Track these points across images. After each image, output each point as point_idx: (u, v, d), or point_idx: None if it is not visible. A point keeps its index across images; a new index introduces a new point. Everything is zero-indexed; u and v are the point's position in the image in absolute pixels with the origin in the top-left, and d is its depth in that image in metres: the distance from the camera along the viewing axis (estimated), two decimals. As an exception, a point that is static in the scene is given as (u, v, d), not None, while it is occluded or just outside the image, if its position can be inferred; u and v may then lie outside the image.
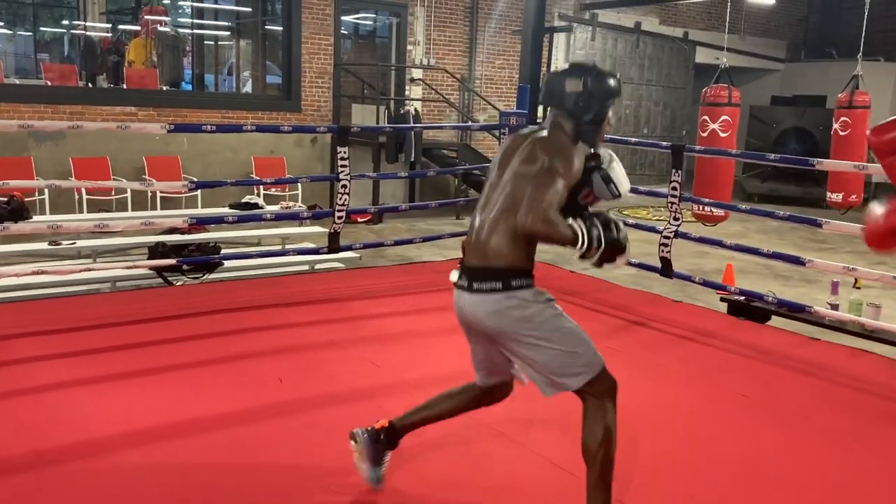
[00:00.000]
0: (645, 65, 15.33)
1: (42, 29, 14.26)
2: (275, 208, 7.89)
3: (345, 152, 5.51)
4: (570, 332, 2.55)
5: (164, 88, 10.79)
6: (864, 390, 4.09)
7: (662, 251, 5.53)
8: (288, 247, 6.77)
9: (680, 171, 5.42)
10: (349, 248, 5.97)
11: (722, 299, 5.63)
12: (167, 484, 2.85)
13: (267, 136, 9.72)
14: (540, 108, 9.21)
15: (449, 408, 2.88)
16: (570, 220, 2.46)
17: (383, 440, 2.80)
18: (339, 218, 5.57)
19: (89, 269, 5.12)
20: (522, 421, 3.52)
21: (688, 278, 5.70)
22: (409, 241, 6.60)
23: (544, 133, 2.61)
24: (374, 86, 11.53)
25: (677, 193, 5.40)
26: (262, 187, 9.34)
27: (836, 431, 3.59)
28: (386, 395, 3.74)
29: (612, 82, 2.61)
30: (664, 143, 5.92)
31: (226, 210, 7.12)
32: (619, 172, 2.60)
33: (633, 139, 7.73)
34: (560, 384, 2.55)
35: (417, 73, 11.38)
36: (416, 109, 10.59)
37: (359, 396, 3.72)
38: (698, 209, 6.46)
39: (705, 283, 5.64)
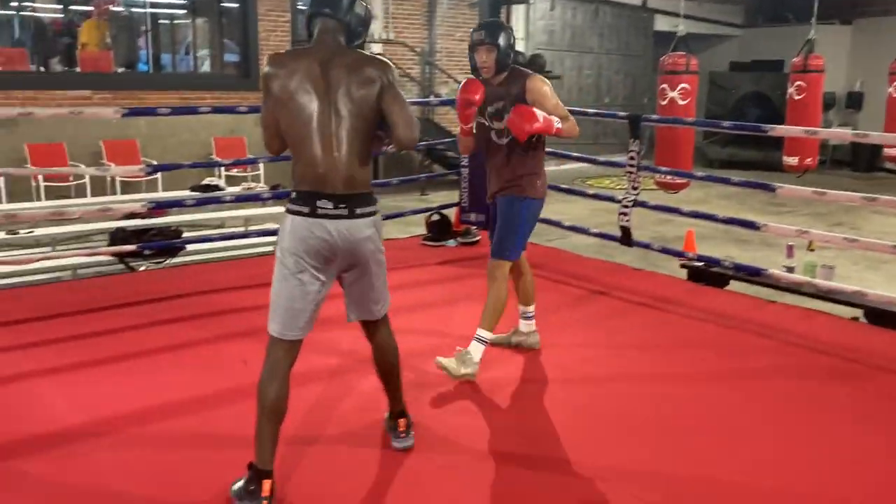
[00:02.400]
0: (604, 34, 15.36)
1: (-15, 10, 13.85)
2: (236, 189, 7.84)
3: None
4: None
5: (120, 70, 10.59)
6: (814, 349, 4.22)
7: (622, 220, 5.61)
8: (251, 228, 6.74)
9: (638, 141, 5.49)
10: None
11: (682, 266, 5.74)
12: (136, 471, 2.87)
13: (226, 116, 9.61)
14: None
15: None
16: None
17: None
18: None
19: (49, 258, 5.07)
20: (488, 391, 3.58)
21: (647, 246, 5.79)
22: (373, 218, 6.60)
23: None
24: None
25: (635, 163, 5.47)
26: (223, 169, 9.26)
27: (788, 391, 3.71)
28: (354, 372, 3.78)
29: None
30: (621, 114, 5.98)
31: (185, 193, 7.05)
32: None
33: (593, 110, 7.78)
34: (381, 308, 2.86)
35: (377, 48, 11.29)
36: (377, 85, 10.52)
37: (323, 375, 3.75)
38: (660, 177, 6.55)
39: (664, 251, 5.73)
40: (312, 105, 2.58)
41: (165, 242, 5.79)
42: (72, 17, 12.63)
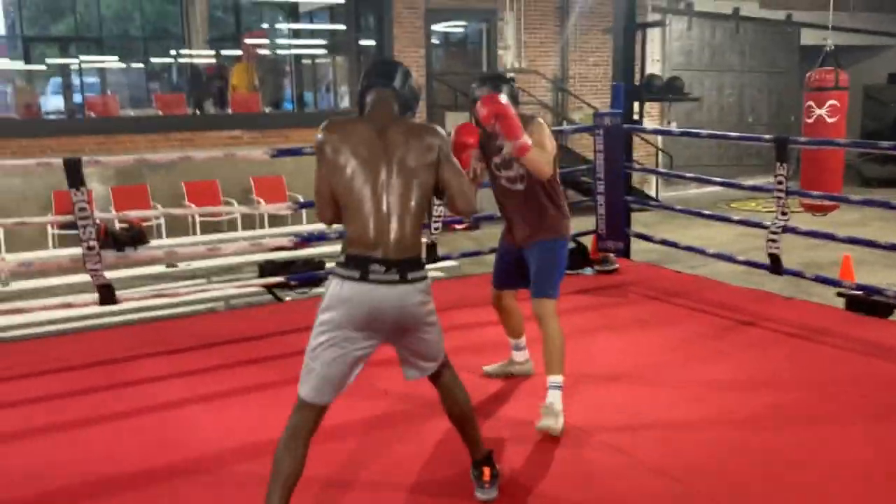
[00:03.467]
0: (746, 51, 14.78)
1: (152, 60, 15.00)
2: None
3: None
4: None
5: (267, 110, 11.20)
6: None
7: (770, 247, 5.33)
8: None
9: (785, 164, 5.21)
10: (447, 258, 6.04)
11: (839, 294, 5.38)
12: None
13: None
14: (636, 105, 9.04)
15: None
16: None
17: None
18: (436, 228, 5.64)
19: (204, 290, 5.39)
20: (631, 429, 3.48)
21: (799, 274, 5.47)
22: (508, 248, 6.60)
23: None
24: (467, 93, 11.61)
25: (783, 187, 5.19)
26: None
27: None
28: (494, 404, 3.77)
29: None
30: (766, 137, 5.70)
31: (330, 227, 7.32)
32: None
33: (735, 134, 7.48)
34: (437, 363, 2.78)
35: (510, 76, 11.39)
36: (510, 114, 10.59)
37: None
38: (807, 199, 6.20)
39: (819, 280, 5.39)
40: (368, 169, 2.55)
41: (310, 273, 6.02)
42: (223, 62, 13.52)
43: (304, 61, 14.77)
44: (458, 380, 2.88)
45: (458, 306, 5.49)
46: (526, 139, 3.28)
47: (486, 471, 2.89)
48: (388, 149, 2.59)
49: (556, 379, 3.50)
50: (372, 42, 11.52)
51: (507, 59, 11.31)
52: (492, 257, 7.17)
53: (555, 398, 3.46)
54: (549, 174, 3.46)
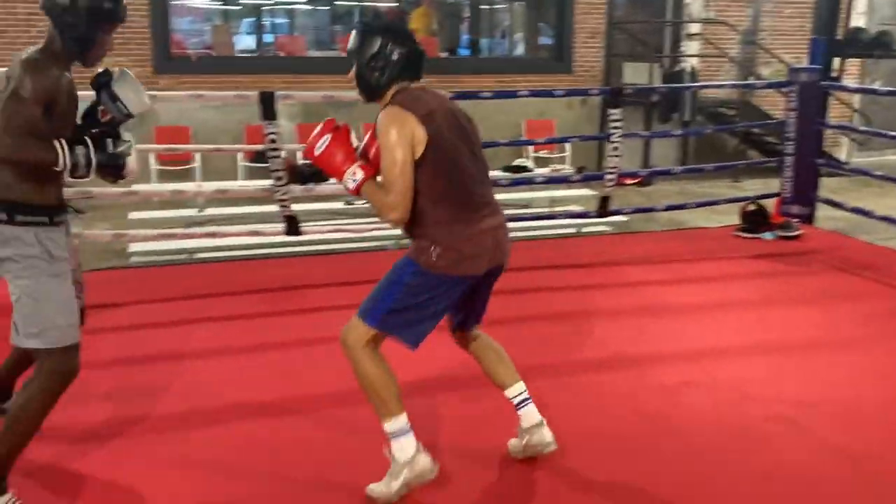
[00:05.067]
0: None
1: (336, 3, 15.46)
2: (545, 171, 8.00)
3: (617, 114, 5.44)
4: None
5: (443, 55, 11.29)
6: None
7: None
8: (556, 209, 6.85)
9: None
10: (618, 213, 5.92)
11: None
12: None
13: (537, 99, 9.82)
14: (836, 61, 8.35)
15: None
16: (58, 142, 2.35)
17: None
18: (610, 181, 5.53)
19: (378, 229, 5.58)
20: (809, 404, 3.32)
21: None
22: (682, 207, 6.38)
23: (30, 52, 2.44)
24: (648, 43, 11.15)
25: None
26: (531, 150, 9.50)
27: None
28: (653, 363, 3.71)
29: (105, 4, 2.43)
30: None
31: (498, 174, 7.35)
32: (129, 89, 2.52)
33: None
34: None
35: (695, 28, 10.81)
36: (692, 66, 10.09)
37: (623, 364, 3.72)
38: None
39: None
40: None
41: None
42: (403, 7, 13.72)
43: (482, 7, 14.74)
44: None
45: (627, 262, 5.39)
46: (353, 175, 2.49)
47: None
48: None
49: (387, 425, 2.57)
50: (552, -13, 11.27)
51: (694, 7, 10.73)
52: (664, 215, 7.02)
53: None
54: (394, 218, 2.49)
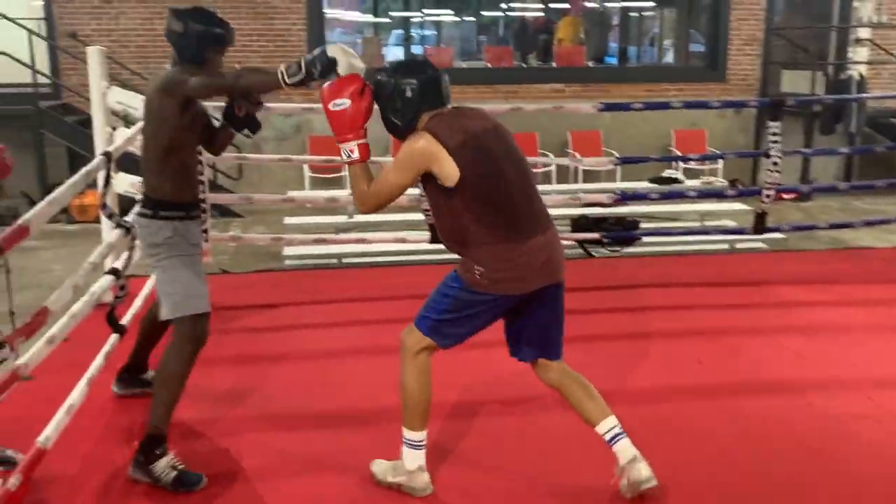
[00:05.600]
0: None
1: (483, 13, 15.62)
2: (695, 183, 7.72)
3: (777, 127, 5.16)
4: None
5: (590, 64, 11.15)
6: None
7: None
8: (708, 224, 6.59)
9: None
10: (776, 230, 5.61)
11: None
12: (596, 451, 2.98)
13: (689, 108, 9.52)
14: None
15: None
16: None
17: None
18: (768, 196, 5.25)
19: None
20: None
21: None
22: (847, 225, 5.96)
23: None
24: (809, 49, 10.54)
25: None
26: (680, 161, 9.20)
27: None
28: (814, 390, 3.49)
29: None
30: None
31: (648, 185, 7.17)
32: (339, 52, 2.56)
33: None
34: None
35: (864, 33, 10.11)
36: (860, 74, 9.44)
37: (784, 389, 3.52)
38: None
39: None
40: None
41: (625, 233, 5.95)
42: (550, 16, 13.67)
43: (631, 14, 14.46)
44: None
45: (784, 282, 5.10)
46: (350, 152, 2.59)
47: None
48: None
49: (408, 434, 2.71)
50: (706, -7, 10.90)
51: (864, 11, 10.04)
52: (826, 233, 6.57)
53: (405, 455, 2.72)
54: (361, 210, 2.70)
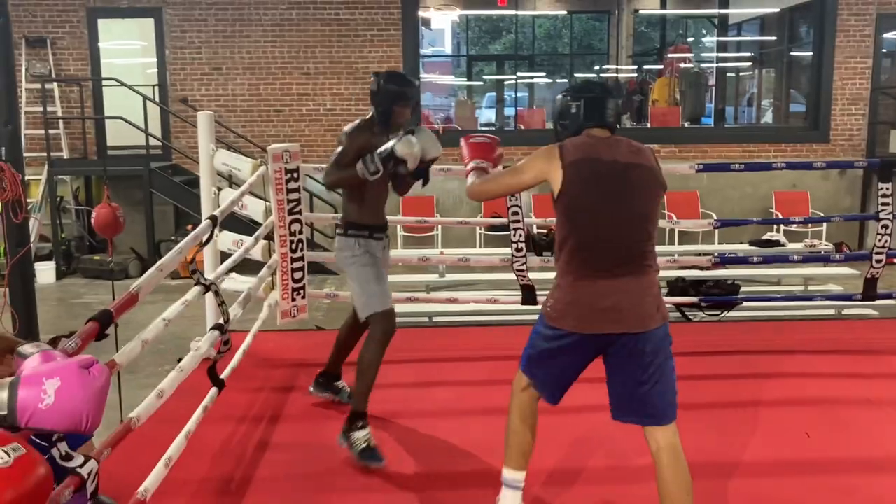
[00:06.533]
0: None
1: (576, 75, 15.77)
2: (798, 247, 7.44)
3: (887, 188, 4.93)
4: None
5: (686, 125, 11.03)
6: None
7: None
8: (812, 289, 6.32)
9: None
10: (888, 296, 5.32)
11: None
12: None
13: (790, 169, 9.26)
14: None
15: None
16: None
17: None
18: (878, 262, 4.99)
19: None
20: None
21: None
22: (968, 291, 5.60)
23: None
24: (919, 109, 10.14)
25: None
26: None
27: None
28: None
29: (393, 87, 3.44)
30: None
31: (747, 247, 6.95)
32: (425, 137, 3.29)
33: None
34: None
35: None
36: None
37: None
38: None
39: None
40: None
41: (725, 297, 5.76)
42: (644, 76, 13.65)
43: (728, 74, 14.29)
44: None
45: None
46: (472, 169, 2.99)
47: None
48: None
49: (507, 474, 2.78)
50: (807, 53, 10.68)
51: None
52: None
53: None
54: (468, 194, 2.97)
